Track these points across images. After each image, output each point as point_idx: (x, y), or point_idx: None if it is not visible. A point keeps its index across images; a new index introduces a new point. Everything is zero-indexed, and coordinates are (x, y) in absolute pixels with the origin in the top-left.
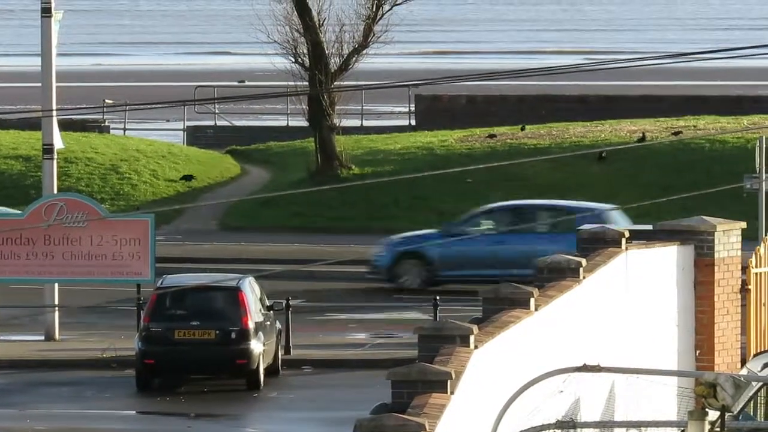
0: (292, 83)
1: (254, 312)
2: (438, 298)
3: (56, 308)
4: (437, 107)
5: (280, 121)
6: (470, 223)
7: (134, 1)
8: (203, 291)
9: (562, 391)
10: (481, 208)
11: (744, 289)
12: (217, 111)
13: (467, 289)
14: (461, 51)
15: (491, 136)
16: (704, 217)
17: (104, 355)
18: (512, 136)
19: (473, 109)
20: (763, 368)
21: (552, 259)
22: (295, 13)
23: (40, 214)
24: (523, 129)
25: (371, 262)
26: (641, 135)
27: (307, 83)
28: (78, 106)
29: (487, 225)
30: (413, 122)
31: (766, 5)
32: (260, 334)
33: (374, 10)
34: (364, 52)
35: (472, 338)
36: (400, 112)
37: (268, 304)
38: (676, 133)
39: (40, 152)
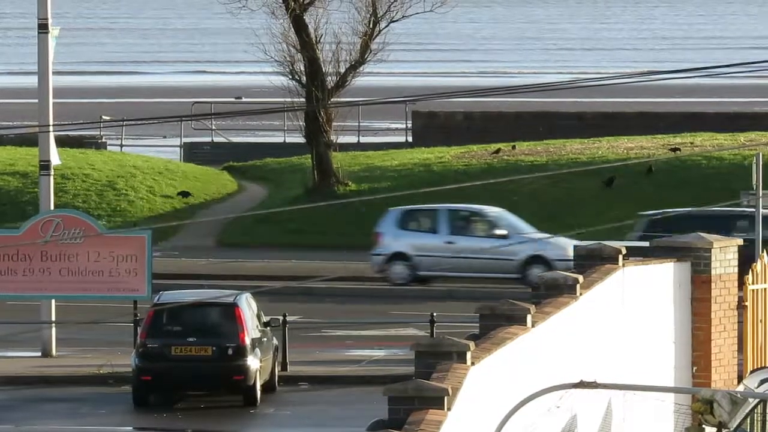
0: (289, 100)
1: (251, 328)
2: (434, 314)
3: (53, 324)
4: (434, 124)
5: (277, 138)
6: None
7: (132, 19)
8: (200, 307)
9: (558, 408)
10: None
11: (741, 306)
12: (214, 127)
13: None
14: (458, 72)
15: (497, 151)
16: (701, 234)
17: (101, 372)
18: (509, 153)
19: (470, 126)
20: (759, 385)
21: (549, 276)
22: (292, 29)
23: (36, 231)
24: (514, 148)
25: None
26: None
27: (304, 100)
28: (75, 123)
29: None
30: (410, 139)
31: (747, 25)
32: (257, 350)
33: (371, 26)
34: (361, 68)
35: (468, 355)
36: (397, 129)
37: (264, 320)
38: (674, 150)
39: (37, 168)
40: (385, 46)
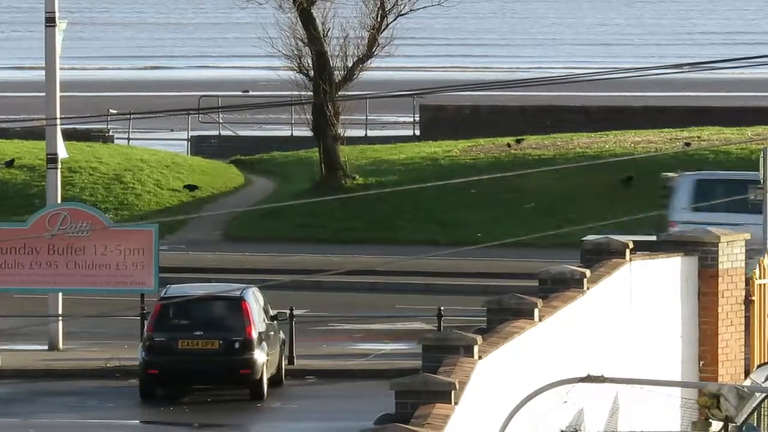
0: (297, 93)
1: (258, 322)
2: (442, 308)
3: (60, 318)
4: (441, 117)
5: (285, 131)
6: None
7: (139, 12)
8: (207, 301)
9: (566, 402)
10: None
11: (748, 300)
12: (221, 121)
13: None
14: (466, 66)
15: (508, 145)
16: (708, 228)
17: (108, 365)
18: (516, 147)
19: (477, 120)
20: (766, 379)
21: (556, 270)
22: (300, 23)
23: (44, 224)
24: (518, 142)
25: None
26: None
27: (311, 93)
28: (82, 116)
29: None
30: (417, 132)
31: (748, 21)
32: (264, 344)
33: (378, 20)
34: (369, 62)
35: (476, 348)
36: (404, 123)
37: (271, 314)
38: (687, 144)
39: (44, 162)
40: (393, 40)
